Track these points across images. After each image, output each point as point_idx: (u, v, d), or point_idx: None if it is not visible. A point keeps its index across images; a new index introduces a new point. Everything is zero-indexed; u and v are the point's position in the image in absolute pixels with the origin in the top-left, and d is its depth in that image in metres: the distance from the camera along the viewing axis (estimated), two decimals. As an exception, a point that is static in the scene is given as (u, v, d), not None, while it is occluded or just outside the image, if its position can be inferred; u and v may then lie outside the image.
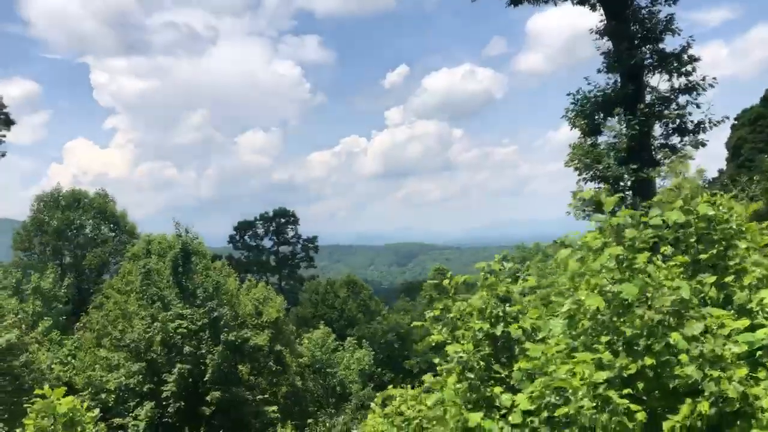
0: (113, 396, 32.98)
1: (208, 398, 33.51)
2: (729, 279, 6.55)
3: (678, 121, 21.68)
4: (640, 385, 5.83)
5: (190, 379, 34.10)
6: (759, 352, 5.73)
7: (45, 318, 41.46)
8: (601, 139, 22.23)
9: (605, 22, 22.42)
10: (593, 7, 22.68)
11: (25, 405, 8.63)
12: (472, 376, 6.33)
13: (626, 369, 5.66)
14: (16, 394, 24.69)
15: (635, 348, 5.71)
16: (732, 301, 6.50)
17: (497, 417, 6.05)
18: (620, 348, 5.77)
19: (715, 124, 21.41)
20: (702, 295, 6.33)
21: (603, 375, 5.42)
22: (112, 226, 56.10)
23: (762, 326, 5.94)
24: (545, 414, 6.10)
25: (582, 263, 6.21)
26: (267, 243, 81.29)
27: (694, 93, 21.26)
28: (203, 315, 34.57)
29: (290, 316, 51.50)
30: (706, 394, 5.22)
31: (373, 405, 13.68)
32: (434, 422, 6.53)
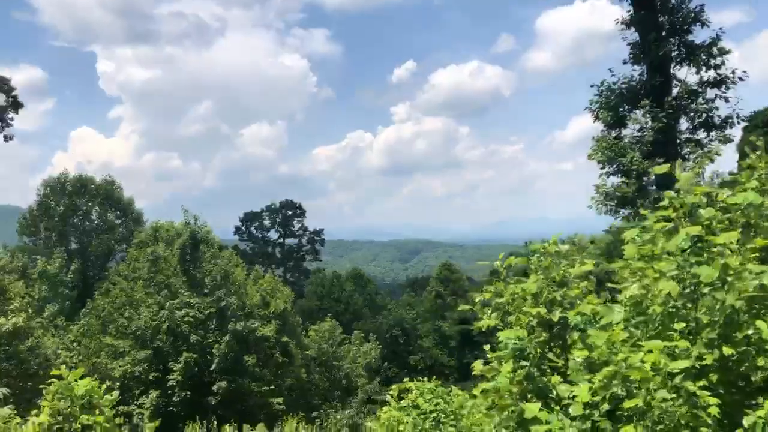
0: (118, 384, 32.60)
1: (214, 388, 33.12)
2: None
3: (705, 115, 21.16)
4: (714, 377, 5.34)
5: (196, 369, 33.70)
6: None
7: (51, 303, 41.10)
8: (625, 132, 21.75)
9: (632, 12, 21.89)
10: (620, -3, 22.15)
11: (41, 386, 8.18)
12: (527, 364, 5.86)
13: (701, 360, 5.19)
14: (22, 378, 24.31)
15: (713, 337, 5.25)
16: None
17: (557, 408, 5.57)
18: (696, 337, 5.31)
19: (743, 120, 20.89)
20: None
21: (682, 364, 4.94)
22: (118, 213, 55.72)
23: None
24: (606, 406, 5.64)
25: (651, 245, 5.73)
26: (273, 235, 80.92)
27: (723, 87, 20.72)
28: (210, 304, 34.17)
29: (295, 308, 51.08)
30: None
31: (388, 397, 13.27)
32: (484, 412, 6.06)
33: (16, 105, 37.71)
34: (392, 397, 13.34)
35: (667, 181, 20.95)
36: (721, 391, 5.18)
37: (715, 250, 5.37)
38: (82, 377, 8.06)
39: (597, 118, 22.01)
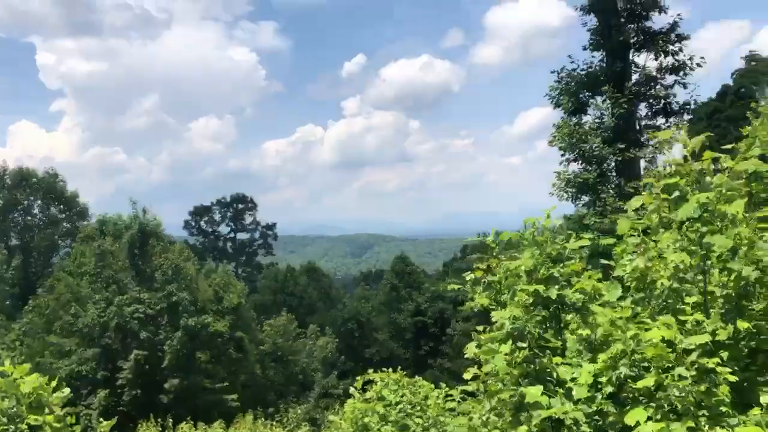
0: (64, 384, 31.24)
1: (166, 386, 32.07)
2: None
3: (663, 101, 21.25)
4: (724, 354, 4.98)
5: (147, 366, 32.58)
6: None
7: (-10, 302, 39.21)
8: (585, 118, 21.67)
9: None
10: (580, -17, 22.02)
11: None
12: (525, 345, 5.43)
13: (716, 334, 4.84)
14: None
15: (727, 310, 4.92)
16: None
17: (560, 392, 5.16)
18: (709, 311, 4.97)
19: (700, 105, 21.00)
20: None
21: (700, 339, 4.57)
22: (61, 207, 53.56)
23: None
24: (609, 389, 5.25)
25: (656, 214, 5.36)
26: (224, 229, 79.38)
27: (681, 73, 20.81)
28: (161, 299, 33.05)
29: (249, 303, 50.06)
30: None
31: (352, 390, 12.82)
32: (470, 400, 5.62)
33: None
34: (356, 389, 12.91)
35: (627, 168, 20.99)
36: (735, 368, 4.86)
37: (726, 219, 5.05)
38: (28, 373, 7.35)
39: (557, 105, 21.86)
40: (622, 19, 21.25)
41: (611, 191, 20.63)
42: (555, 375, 5.40)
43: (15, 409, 6.88)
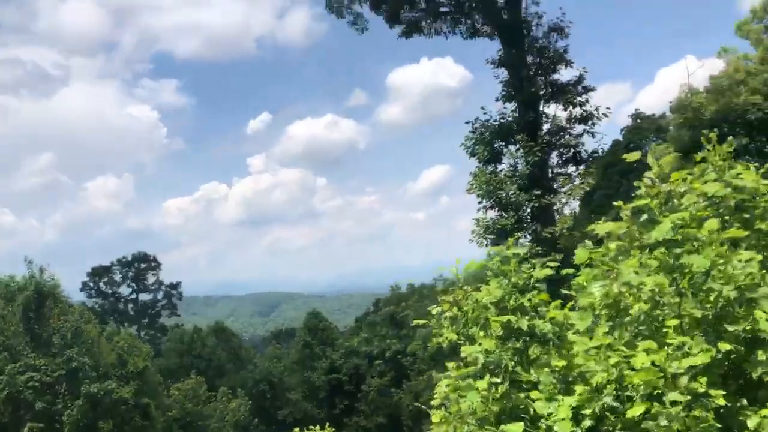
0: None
1: (63, 461, 29.49)
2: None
3: (572, 150, 22.07)
4: (703, 380, 4.83)
5: (43, 440, 29.90)
6: None
7: None
8: (500, 167, 22.16)
9: (501, 51, 22.59)
10: (490, 37, 22.82)
11: None
12: (499, 380, 5.11)
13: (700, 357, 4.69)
14: None
15: (706, 332, 4.80)
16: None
17: (542, 428, 4.84)
18: (690, 334, 4.83)
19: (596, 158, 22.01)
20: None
21: (691, 362, 4.40)
22: (-56, 271, 49.45)
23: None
24: (588, 423, 4.99)
25: (626, 238, 5.25)
26: (125, 290, 75.56)
27: (590, 122, 21.75)
28: (60, 365, 30.67)
29: (154, 367, 47.39)
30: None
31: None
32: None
33: None
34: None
35: (543, 214, 21.48)
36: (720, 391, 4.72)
37: (698, 240, 4.99)
38: None
39: (473, 154, 22.27)
40: (532, 72, 22.10)
41: (528, 237, 21.00)
42: (531, 411, 5.10)
43: None
